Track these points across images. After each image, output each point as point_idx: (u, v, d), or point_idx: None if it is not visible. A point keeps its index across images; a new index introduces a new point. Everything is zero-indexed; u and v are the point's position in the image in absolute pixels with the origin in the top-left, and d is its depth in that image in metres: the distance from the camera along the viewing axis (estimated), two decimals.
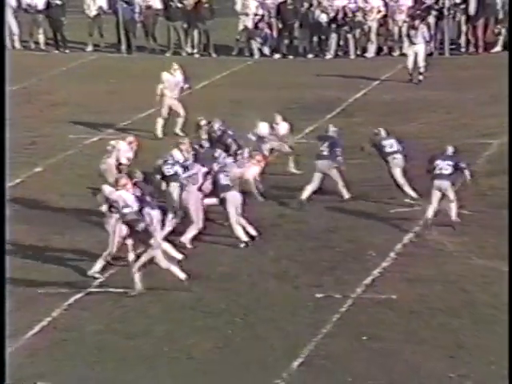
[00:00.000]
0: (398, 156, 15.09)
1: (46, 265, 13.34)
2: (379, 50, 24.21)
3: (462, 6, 23.70)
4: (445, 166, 14.09)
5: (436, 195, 14.08)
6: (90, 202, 14.94)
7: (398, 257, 13.32)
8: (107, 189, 13.40)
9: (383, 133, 15.30)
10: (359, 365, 10.81)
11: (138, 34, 24.98)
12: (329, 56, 24.19)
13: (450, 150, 14.37)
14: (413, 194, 14.95)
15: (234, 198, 13.87)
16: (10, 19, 25.08)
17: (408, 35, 22.21)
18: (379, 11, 24.16)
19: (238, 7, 24.73)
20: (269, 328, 11.63)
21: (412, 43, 21.71)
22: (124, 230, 12.92)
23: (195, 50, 24.82)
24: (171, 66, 18.63)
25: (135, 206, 12.64)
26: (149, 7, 24.93)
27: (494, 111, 18.73)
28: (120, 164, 14.97)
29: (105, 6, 25.13)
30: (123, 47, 25.06)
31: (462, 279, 12.64)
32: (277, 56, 24.51)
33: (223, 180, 14.03)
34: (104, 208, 13.30)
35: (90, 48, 25.12)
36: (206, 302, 12.25)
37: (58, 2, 24.92)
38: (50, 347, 11.31)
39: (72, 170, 16.79)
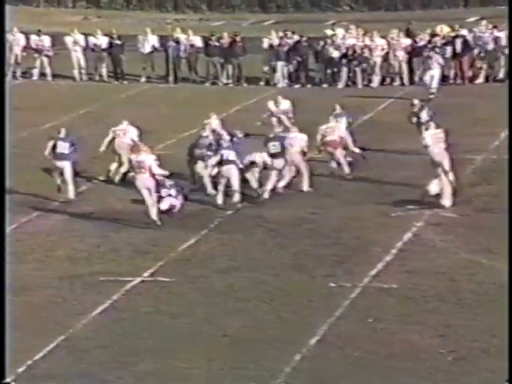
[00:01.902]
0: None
1: (106, 257, 13.35)
2: (382, 81, 24.17)
3: (450, 46, 23.66)
4: (424, 116, 16.52)
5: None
6: (143, 206, 14.99)
7: (398, 252, 13.19)
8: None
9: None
10: (365, 342, 10.71)
11: (182, 68, 25.00)
12: (340, 86, 24.14)
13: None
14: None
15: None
16: (80, 56, 25.21)
17: (423, 63, 22.60)
18: (383, 49, 24.12)
19: (265, 45, 24.77)
20: (290, 311, 11.55)
21: (429, 69, 22.00)
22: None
23: (230, 81, 24.86)
24: (277, 98, 18.75)
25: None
26: (192, 45, 25.02)
27: (476, 132, 18.58)
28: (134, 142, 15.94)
29: (157, 44, 25.29)
30: (171, 79, 25.11)
31: (450, 271, 12.52)
32: (297, 86, 24.50)
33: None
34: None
35: (143, 79, 25.14)
36: (238, 288, 12.22)
37: (119, 42, 25.05)
38: (111, 324, 11.34)
39: (127, 180, 16.56)
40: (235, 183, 15.15)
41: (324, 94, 22.92)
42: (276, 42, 24.56)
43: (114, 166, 16.62)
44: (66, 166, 15.51)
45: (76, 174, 15.82)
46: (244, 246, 13.71)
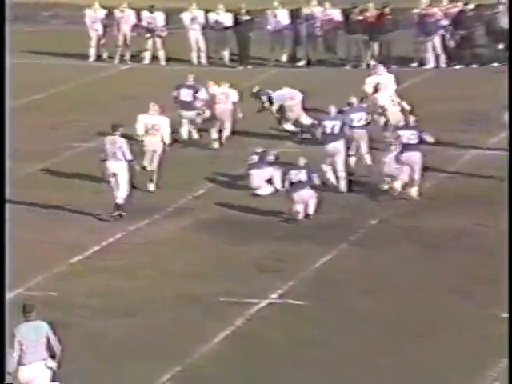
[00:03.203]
0: None
1: (227, 274, 13.54)
2: None
3: None
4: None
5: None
6: (267, 215, 15.23)
7: None
8: None
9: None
10: None
11: (318, 48, 24.89)
12: None
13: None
14: None
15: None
16: (199, 36, 25.28)
17: None
18: None
19: (417, 17, 24.09)
20: (452, 347, 11.33)
21: None
22: None
23: (375, 63, 24.51)
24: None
25: None
26: (330, 20, 24.79)
27: None
28: None
29: (287, 20, 25.22)
30: (303, 61, 25.12)
31: None
32: (459, 66, 23.96)
33: None
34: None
35: (271, 63, 25.09)
36: (384, 315, 12.16)
37: (246, 18, 24.90)
38: (233, 354, 11.51)
39: (247, 185, 16.72)
40: (419, 173, 15.59)
41: (493, 76, 22.22)
42: (432, 12, 24.13)
43: (215, 135, 18.32)
44: (190, 115, 18.26)
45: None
46: (391, 263, 13.63)
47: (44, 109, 20.94)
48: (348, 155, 16.67)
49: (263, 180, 16.42)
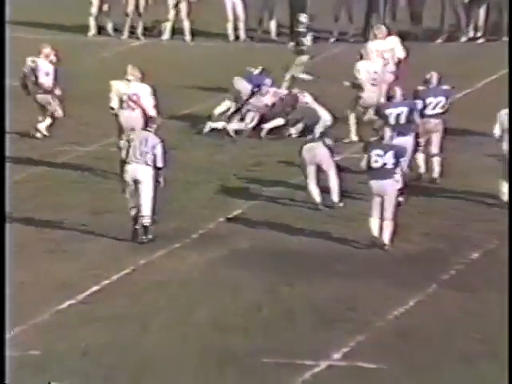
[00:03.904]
0: None
1: (274, 325, 13.50)
2: None
3: None
4: None
5: None
6: (328, 243, 15.28)
7: None
8: None
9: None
10: None
11: (398, 16, 24.93)
12: None
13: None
14: None
15: None
16: (236, 1, 25.40)
17: None
18: None
19: None
20: None
21: None
22: None
23: (479, 34, 24.29)
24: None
25: None
26: None
27: None
28: None
29: None
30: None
31: None
32: None
33: None
34: None
35: (333, 38, 25.20)
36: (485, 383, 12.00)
37: None
38: None
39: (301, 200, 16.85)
40: None
41: None
42: None
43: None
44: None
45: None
46: (498, 311, 13.42)
47: (28, 100, 20.86)
48: (415, 150, 16.73)
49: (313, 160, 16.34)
